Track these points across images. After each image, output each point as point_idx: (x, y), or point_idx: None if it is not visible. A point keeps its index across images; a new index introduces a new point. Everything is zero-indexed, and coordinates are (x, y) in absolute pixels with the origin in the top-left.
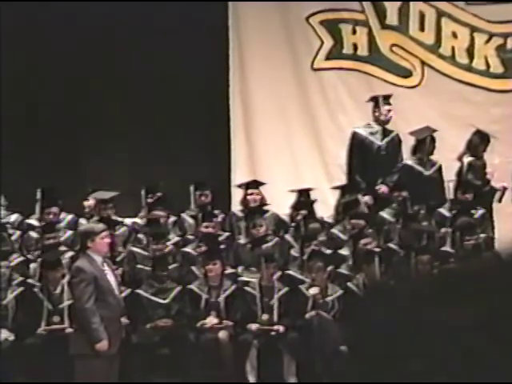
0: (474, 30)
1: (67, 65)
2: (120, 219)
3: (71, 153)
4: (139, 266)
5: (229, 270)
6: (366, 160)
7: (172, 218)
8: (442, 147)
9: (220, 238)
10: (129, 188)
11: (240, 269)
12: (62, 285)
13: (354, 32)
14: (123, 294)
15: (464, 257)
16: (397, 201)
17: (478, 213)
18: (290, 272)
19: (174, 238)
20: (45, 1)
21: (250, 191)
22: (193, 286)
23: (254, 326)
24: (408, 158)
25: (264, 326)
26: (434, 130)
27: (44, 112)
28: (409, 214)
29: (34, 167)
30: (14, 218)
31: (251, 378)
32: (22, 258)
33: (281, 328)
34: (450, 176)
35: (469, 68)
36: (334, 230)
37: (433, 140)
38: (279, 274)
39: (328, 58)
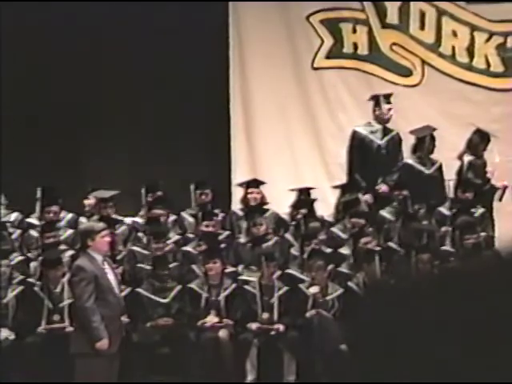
0: (474, 28)
1: (67, 65)
2: (120, 218)
3: (71, 153)
4: (139, 265)
5: (229, 269)
6: (366, 159)
7: (172, 217)
8: (442, 146)
9: (220, 237)
10: (129, 188)
11: (240, 268)
12: (63, 283)
13: (355, 31)
14: (123, 293)
15: (464, 256)
16: (397, 200)
17: (478, 212)
18: (290, 271)
19: (174, 236)
20: (45, 1)
21: (250, 190)
22: (193, 285)
23: (254, 325)
24: (408, 157)
25: (264, 324)
26: (434, 129)
27: (44, 112)
28: (409, 212)
29: (33, 167)
30: (14, 216)
31: (251, 377)
32: (22, 257)
33: (281, 327)
34: (450, 175)
35: (469, 67)
36: (334, 229)
37: (433, 139)
38: (279, 272)
39: (328, 57)
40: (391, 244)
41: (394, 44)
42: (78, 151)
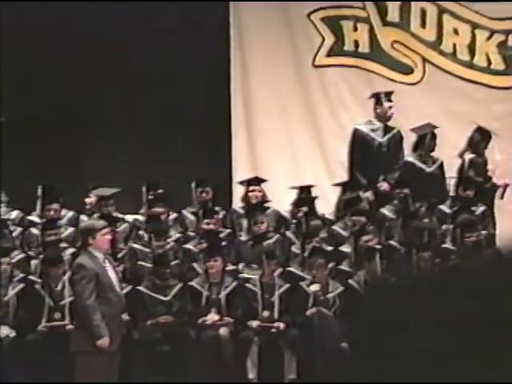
0: (475, 26)
1: (67, 65)
2: (121, 216)
3: (71, 153)
4: (140, 263)
5: (230, 267)
6: (367, 157)
7: (173, 215)
8: (443, 144)
9: (221, 235)
10: (129, 186)
11: (241, 265)
12: (63, 281)
13: (356, 29)
14: (124, 291)
15: (465, 254)
16: (398, 198)
17: (479, 210)
18: (291, 269)
19: (175, 234)
20: (45, 1)
21: (251, 188)
22: (194, 283)
23: (254, 323)
24: (409, 155)
25: (265, 322)
26: (435, 127)
27: (44, 112)
28: (410, 211)
29: (34, 167)
30: (14, 214)
31: (252, 375)
32: (23, 255)
33: (281, 325)
34: (451, 173)
35: (470, 65)
36: (335, 227)
37: (434, 137)
38: (280, 270)
39: (329, 54)
40: (392, 242)
41: (395, 42)
42: (78, 151)
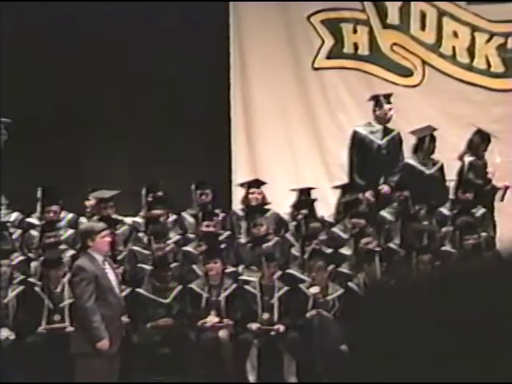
0: (474, 29)
1: (67, 65)
2: (120, 218)
3: (71, 153)
4: (140, 265)
5: (229, 269)
6: (367, 159)
7: (173, 217)
8: (443, 147)
9: (220, 237)
10: (129, 188)
11: (240, 268)
12: (63, 284)
13: (355, 31)
14: (124, 293)
15: (465, 256)
16: (398, 200)
17: (479, 212)
18: (291, 271)
19: (174, 236)
20: (45, 1)
21: (251, 190)
22: (193, 285)
23: (254, 326)
24: (409, 158)
25: (264, 325)
26: (434, 129)
27: (44, 112)
28: (410, 213)
29: (34, 167)
30: (14, 216)
31: (251, 378)
32: (22, 257)
33: (281, 327)
34: (450, 175)
35: (469, 67)
36: (335, 229)
37: (433, 139)
38: (280, 273)
39: (329, 57)
40: (392, 245)
41: (395, 44)
42: (78, 151)
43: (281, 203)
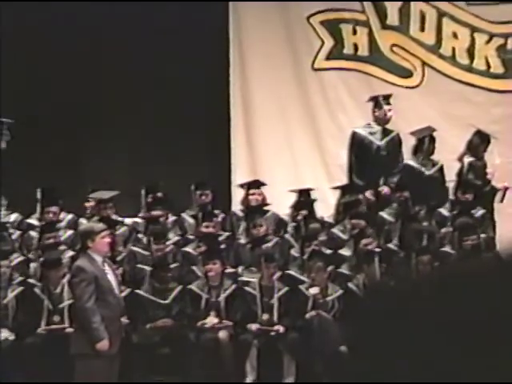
0: (474, 30)
1: (67, 65)
2: (120, 219)
3: (71, 153)
4: (139, 266)
5: (229, 270)
6: (366, 160)
7: (172, 218)
8: (443, 147)
9: (220, 238)
10: (129, 188)
11: (240, 269)
12: (63, 284)
13: (355, 32)
14: (123, 294)
15: (464, 257)
16: (398, 201)
17: (478, 213)
18: (290, 272)
19: (174, 237)
20: (45, 1)
21: (251, 191)
22: (193, 286)
23: (254, 326)
24: (409, 158)
25: (264, 325)
26: (434, 130)
27: (44, 112)
28: (409, 214)
29: (34, 167)
30: (13, 217)
31: (251, 378)
32: (22, 258)
33: (281, 328)
34: (450, 176)
35: (469, 68)
36: (335, 230)
37: (433, 140)
38: (279, 273)
39: (328, 58)
40: (391, 245)
41: (395, 45)
42: (78, 151)
43: (280, 204)
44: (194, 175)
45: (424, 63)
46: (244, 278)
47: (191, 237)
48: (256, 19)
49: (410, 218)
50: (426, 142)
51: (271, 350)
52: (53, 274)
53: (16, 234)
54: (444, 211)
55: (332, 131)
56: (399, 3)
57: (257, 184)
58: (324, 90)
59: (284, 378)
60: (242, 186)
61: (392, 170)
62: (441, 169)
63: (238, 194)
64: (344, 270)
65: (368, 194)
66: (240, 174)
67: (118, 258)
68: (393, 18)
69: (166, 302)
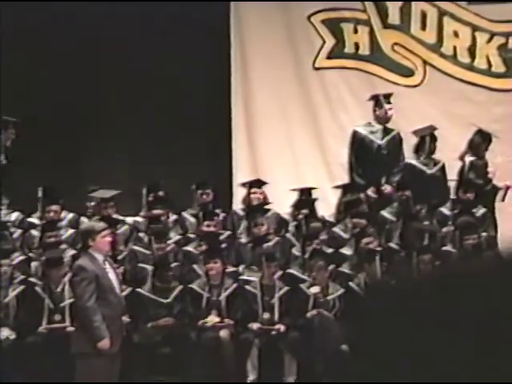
0: (475, 29)
1: (67, 65)
2: (121, 218)
3: (71, 153)
4: (141, 265)
5: (230, 269)
6: (367, 159)
7: (173, 217)
8: (444, 146)
9: (221, 237)
10: (129, 188)
11: (241, 268)
12: (64, 283)
13: (356, 31)
14: (124, 293)
15: (465, 256)
16: (399, 200)
17: (480, 212)
18: (291, 271)
19: (175, 236)
20: (45, 1)
21: (253, 190)
22: (194, 285)
23: (255, 325)
24: (410, 157)
25: (265, 325)
26: (435, 128)
27: (44, 112)
28: (410, 213)
29: (34, 167)
30: (14, 216)
31: (252, 377)
32: (23, 257)
33: (282, 327)
34: (451, 175)
35: (470, 67)
36: (336, 229)
37: (434, 139)
38: (280, 272)
39: (329, 57)
40: (392, 244)
41: (396, 44)
42: (78, 151)
43: (281, 203)
44: (195, 175)
45: (425, 62)
46: (245, 277)
47: (192, 236)
48: (257, 19)
49: (411, 217)
50: (427, 140)
51: (272, 349)
52: (54, 272)
53: (17, 232)
54: (445, 210)
55: (333, 130)
56: (400, 2)
57: (259, 183)
58: (325, 89)
59: (285, 377)
60: (243, 184)
61: (393, 168)
62: (442, 168)
63: (239, 194)
64: (345, 269)
65: (370, 191)
66: (241, 173)
67: (119, 257)
68: (394, 16)
69: (167, 301)
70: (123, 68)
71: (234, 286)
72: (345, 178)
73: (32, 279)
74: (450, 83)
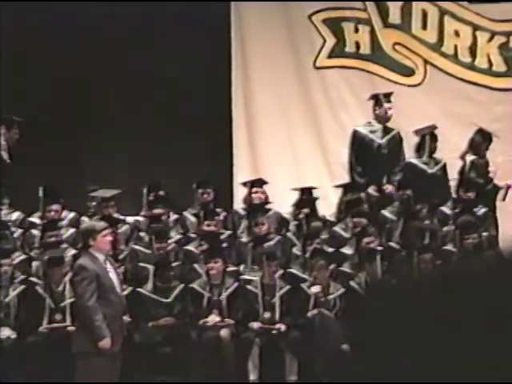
0: (476, 28)
1: (67, 65)
2: (122, 217)
3: (71, 153)
4: (141, 265)
5: (231, 268)
6: (367, 158)
7: (174, 216)
8: (445, 146)
9: (222, 237)
10: (130, 187)
11: (242, 267)
12: (64, 283)
13: (357, 30)
14: (125, 292)
15: (466, 256)
16: (400, 199)
17: (481, 211)
18: (292, 270)
19: (176, 236)
20: (45, 1)
21: (254, 189)
22: (195, 285)
23: (255, 325)
24: (411, 157)
25: (266, 324)
26: (435, 127)
27: (44, 112)
28: (411, 212)
29: (34, 167)
30: (15, 215)
31: (253, 377)
32: (24, 256)
33: (282, 326)
34: (452, 175)
35: (471, 66)
36: (336, 229)
37: (435, 138)
38: (281, 272)
39: (330, 56)
40: (393, 244)
41: (397, 43)
42: (78, 151)
43: (282, 202)
44: (196, 174)
45: (426, 61)
46: (246, 277)
47: (193, 235)
48: (258, 18)
49: (412, 216)
50: (427, 139)
51: (273, 349)
52: (55, 272)
53: (18, 232)
54: (446, 209)
55: (334, 130)
56: (401, 2)
57: (260, 182)
58: (326, 88)
59: (286, 376)
60: (245, 184)
61: (393, 168)
62: (443, 167)
63: (239, 193)
64: (346, 268)
65: (371, 189)
66: (242, 173)
67: (120, 257)
68: (395, 16)
69: (168, 300)
70: (123, 68)
71: (235, 285)
72: (346, 178)
73: (33, 279)
74: (450, 82)
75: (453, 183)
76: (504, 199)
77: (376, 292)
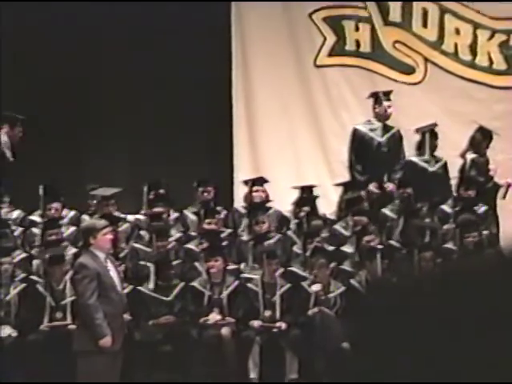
0: (476, 26)
1: (67, 65)
2: (122, 216)
3: (71, 153)
4: (142, 263)
5: (231, 267)
6: (367, 156)
7: (174, 215)
8: (445, 144)
9: (222, 235)
10: (130, 187)
11: (242, 265)
12: (65, 281)
13: (357, 28)
14: (126, 291)
15: (466, 254)
16: (401, 197)
17: (481, 209)
18: (293, 268)
19: (176, 234)
20: (45, 1)
21: (255, 188)
22: (195, 283)
23: (256, 323)
24: (412, 155)
25: (266, 322)
26: (435, 125)
27: (44, 112)
28: (411, 210)
29: (34, 167)
30: (16, 214)
31: (253, 375)
32: (24, 255)
33: (283, 325)
34: (452, 173)
35: (472, 64)
36: (337, 227)
37: (435, 136)
38: (281, 270)
39: (331, 54)
40: (393, 242)
41: (397, 42)
42: (79, 151)
43: (283, 201)
44: (196, 172)
45: (426, 59)
46: (246, 275)
47: (193, 234)
48: (258, 17)
49: (413, 214)
50: (427, 137)
51: (273, 347)
52: (55, 270)
53: (18, 230)
54: (446, 208)
55: (334, 129)
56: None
57: (261, 181)
58: (326, 87)
59: (286, 374)
60: (245, 182)
61: (393, 166)
62: (444, 165)
63: (240, 191)
64: (346, 266)
65: (372, 186)
66: (242, 171)
67: (121, 255)
68: (395, 14)
69: (169, 298)
70: (123, 68)
71: (236, 283)
72: (346, 176)
73: (33, 277)
74: (451, 80)
75: (453, 181)
76: (504, 197)
77: (376, 290)
